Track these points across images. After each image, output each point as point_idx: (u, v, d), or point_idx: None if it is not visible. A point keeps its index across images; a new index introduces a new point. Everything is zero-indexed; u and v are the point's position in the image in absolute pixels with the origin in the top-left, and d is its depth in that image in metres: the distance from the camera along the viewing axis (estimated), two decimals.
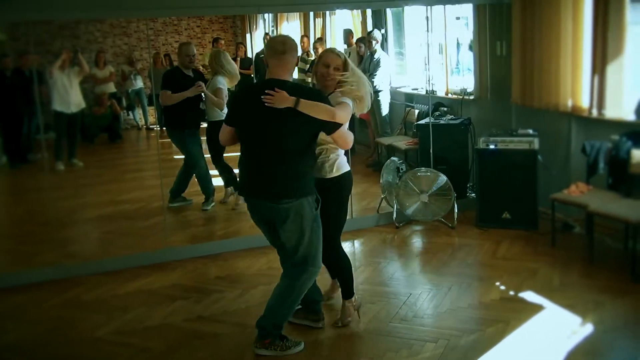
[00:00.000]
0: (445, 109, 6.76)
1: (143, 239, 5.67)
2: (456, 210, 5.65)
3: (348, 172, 3.66)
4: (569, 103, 5.21)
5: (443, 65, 7.13)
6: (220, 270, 4.97)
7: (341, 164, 3.62)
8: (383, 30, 7.85)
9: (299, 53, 9.06)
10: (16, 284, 4.80)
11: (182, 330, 3.98)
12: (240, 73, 8.70)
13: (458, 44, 7.18)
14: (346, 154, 3.76)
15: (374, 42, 7.37)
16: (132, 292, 4.64)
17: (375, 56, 7.37)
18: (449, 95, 6.97)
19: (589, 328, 3.71)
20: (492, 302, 4.14)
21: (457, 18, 6.92)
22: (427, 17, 6.55)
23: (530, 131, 5.43)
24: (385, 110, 7.54)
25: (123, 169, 8.85)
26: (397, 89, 7.90)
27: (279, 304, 3.56)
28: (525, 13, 5.49)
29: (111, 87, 9.76)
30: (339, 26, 8.89)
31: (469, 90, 6.59)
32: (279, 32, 10.37)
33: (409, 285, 4.54)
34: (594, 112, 5.01)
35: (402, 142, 7.02)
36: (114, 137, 9.74)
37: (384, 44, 7.73)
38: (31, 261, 5.27)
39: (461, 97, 6.63)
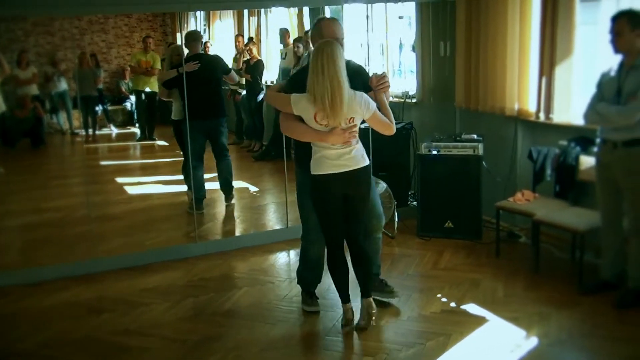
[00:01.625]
0: None
1: (69, 248, 5.56)
2: (397, 219, 5.65)
3: (318, 175, 3.72)
4: (516, 107, 5.30)
5: (384, 67, 7.16)
6: (149, 281, 4.89)
7: (313, 164, 3.72)
8: None
9: (233, 53, 9.04)
10: None
11: (109, 344, 3.93)
12: None
13: (400, 44, 7.23)
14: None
15: (311, 42, 7.33)
16: (58, 304, 4.57)
17: None
18: (391, 99, 6.99)
19: (533, 341, 3.75)
20: (433, 315, 4.14)
21: (400, 17, 6.97)
22: (367, 16, 6.59)
23: (475, 136, 5.49)
24: None
25: (47, 175, 8.74)
26: None
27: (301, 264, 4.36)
28: (470, 12, 5.56)
29: (34, 89, 9.57)
30: (275, 25, 8.86)
31: (411, 93, 6.65)
32: (211, 32, 10.27)
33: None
34: (542, 116, 5.10)
35: None
36: (37, 142, 9.57)
37: None
38: None
39: (403, 100, 6.67)
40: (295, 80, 3.88)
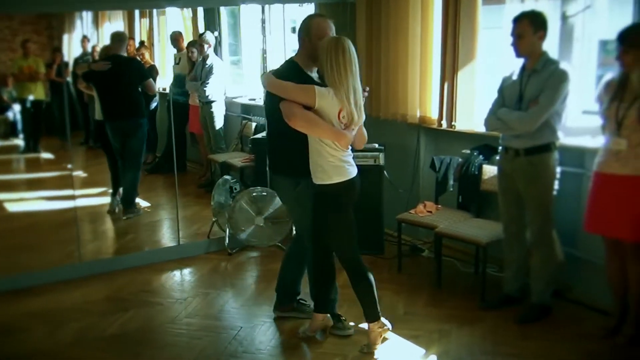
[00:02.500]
0: None
1: None
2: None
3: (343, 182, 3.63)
4: (418, 114, 5.25)
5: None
6: (30, 305, 4.61)
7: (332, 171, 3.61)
8: (216, 33, 7.63)
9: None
10: None
11: None
12: (55, 81, 8.24)
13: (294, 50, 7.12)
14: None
15: (205, 46, 7.14)
16: None
17: (208, 62, 7.14)
18: None
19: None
20: (329, 335, 4.01)
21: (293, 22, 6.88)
22: (262, 20, 6.46)
23: (376, 145, 5.40)
24: (219, 123, 7.30)
25: None
26: (233, 100, 7.70)
27: (284, 272, 4.30)
28: (371, 15, 5.49)
29: None
30: (169, 28, 8.58)
31: None
32: (100, 34, 9.87)
33: (240, 317, 4.37)
34: (444, 124, 5.06)
35: (238, 159, 6.81)
36: None
37: (217, 48, 7.51)
38: None
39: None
40: (293, 79, 3.59)
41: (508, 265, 4.34)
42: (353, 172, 3.63)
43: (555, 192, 4.08)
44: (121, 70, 6.31)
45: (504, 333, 3.97)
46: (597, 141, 3.94)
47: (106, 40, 9.45)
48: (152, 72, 8.38)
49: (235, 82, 8.07)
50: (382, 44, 5.42)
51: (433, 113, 5.17)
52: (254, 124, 7.14)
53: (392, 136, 5.63)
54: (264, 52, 6.86)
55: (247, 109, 7.55)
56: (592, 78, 4.51)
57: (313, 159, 3.58)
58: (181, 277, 5.19)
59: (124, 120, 6.50)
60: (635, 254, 3.69)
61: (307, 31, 3.69)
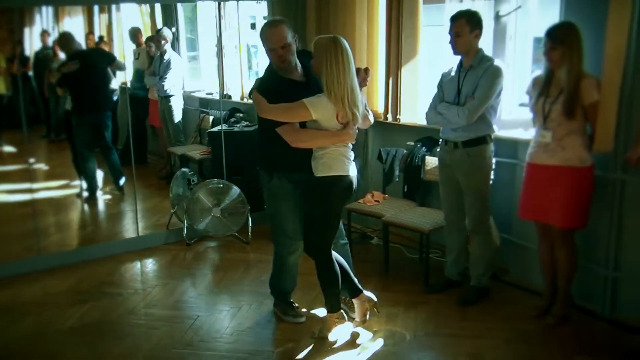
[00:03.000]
0: (241, 114, 6.66)
1: None
2: (250, 224, 5.52)
3: (339, 177, 3.54)
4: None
5: (239, 69, 7.03)
6: None
7: (330, 165, 3.52)
8: (174, 29, 7.59)
9: None
10: None
11: None
12: (16, 75, 8.09)
13: (251, 45, 7.15)
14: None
15: (163, 42, 7.10)
16: None
17: (165, 57, 7.10)
18: (245, 100, 6.88)
19: (379, 343, 3.75)
20: (285, 322, 4.06)
21: (253, 23, 6.88)
22: (217, 16, 6.46)
23: None
24: (177, 117, 7.27)
25: None
26: (191, 94, 7.68)
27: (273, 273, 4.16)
28: (320, 11, 5.51)
29: None
30: (128, 23, 8.48)
31: None
32: (60, 29, 9.71)
33: (196, 307, 4.36)
34: (389, 118, 5.13)
35: (196, 152, 6.81)
36: None
37: (174, 44, 7.46)
38: None
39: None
40: (274, 89, 3.50)
41: (449, 251, 4.45)
42: (351, 168, 3.57)
43: (491, 182, 4.18)
44: (89, 62, 6.45)
45: (445, 315, 4.08)
46: (529, 133, 4.07)
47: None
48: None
49: (194, 76, 8.04)
50: None
51: (379, 107, 5.24)
52: (211, 118, 7.13)
53: None
54: (220, 47, 6.90)
55: (205, 103, 7.53)
56: (527, 73, 4.62)
57: (315, 153, 3.50)
58: (141, 268, 5.16)
59: (97, 113, 6.70)
60: (563, 239, 3.81)
61: (262, 41, 3.58)
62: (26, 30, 9.66)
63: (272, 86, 3.51)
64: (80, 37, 8.92)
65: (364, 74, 3.66)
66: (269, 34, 3.52)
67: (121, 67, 7.05)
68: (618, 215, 3.81)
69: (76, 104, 6.64)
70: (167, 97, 7.19)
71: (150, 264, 5.21)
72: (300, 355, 3.61)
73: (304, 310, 4.17)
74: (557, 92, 3.68)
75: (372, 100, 5.26)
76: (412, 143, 5.00)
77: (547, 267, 4.00)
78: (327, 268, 3.72)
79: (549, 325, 3.89)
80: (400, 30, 4.85)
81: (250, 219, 5.53)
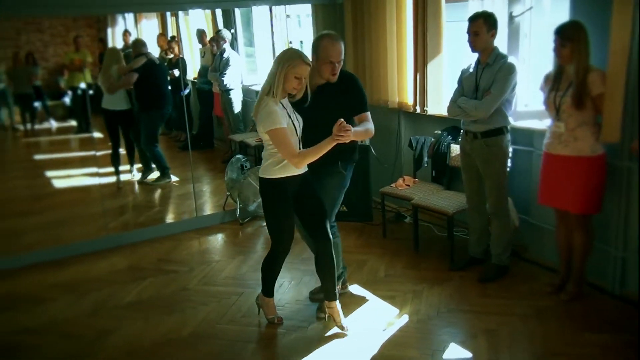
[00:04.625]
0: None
1: None
2: None
3: (271, 180, 3.28)
4: (396, 100, 5.14)
5: None
6: (59, 276, 4.55)
7: (267, 168, 3.29)
8: (232, 30, 7.53)
9: (157, 52, 8.64)
10: None
11: (4, 344, 3.59)
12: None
13: (301, 42, 7.01)
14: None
15: (222, 42, 7.05)
16: None
17: (225, 55, 7.06)
18: None
19: (404, 319, 3.63)
20: (319, 298, 3.95)
21: (287, 16, 6.73)
22: (270, 16, 6.36)
23: None
24: (237, 108, 7.25)
25: None
26: (250, 87, 7.63)
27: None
28: (355, 13, 5.35)
29: None
30: (195, 25, 8.48)
31: None
32: (138, 29, 9.83)
33: (242, 284, 4.28)
34: (418, 109, 4.95)
35: (252, 139, 6.76)
36: None
37: (233, 43, 7.41)
38: None
39: None
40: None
41: (472, 231, 4.28)
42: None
43: (508, 169, 3.98)
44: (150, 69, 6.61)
45: (467, 291, 3.93)
46: (544, 123, 3.84)
47: (144, 35, 9.49)
48: (181, 63, 8.38)
49: (252, 71, 7.98)
50: (365, 40, 5.29)
51: (409, 99, 5.05)
52: None
53: (378, 119, 5.48)
54: (273, 44, 6.82)
55: None
56: (544, 68, 4.33)
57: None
58: (197, 246, 5.07)
59: (151, 111, 6.74)
60: (579, 224, 3.60)
61: (315, 50, 3.31)
62: (109, 30, 9.83)
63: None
64: (153, 38, 9.12)
65: (337, 128, 2.98)
66: (330, 47, 3.24)
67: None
68: (626, 200, 3.56)
69: (137, 100, 6.79)
70: (226, 91, 7.16)
71: (206, 243, 5.17)
72: (330, 332, 3.53)
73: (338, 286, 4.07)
74: (566, 86, 3.45)
75: (402, 93, 5.08)
76: (439, 132, 4.81)
77: (563, 248, 3.79)
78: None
79: (563, 301, 3.70)
80: (425, 30, 4.63)
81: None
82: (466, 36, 3.82)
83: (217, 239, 5.23)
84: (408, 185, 4.81)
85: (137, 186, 6.69)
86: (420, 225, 5.03)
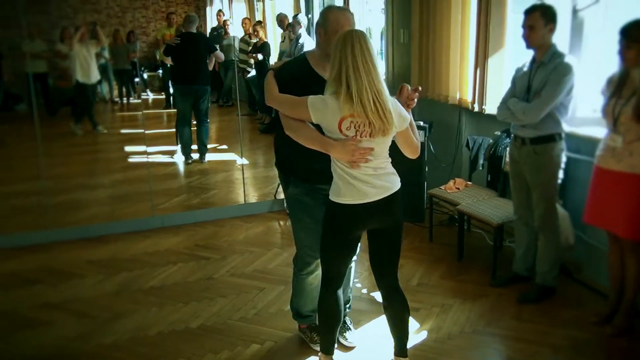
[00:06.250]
0: None
1: (41, 217, 5.18)
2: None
3: (343, 205, 2.50)
4: (457, 96, 4.71)
5: None
6: (96, 253, 4.56)
7: (332, 188, 2.55)
8: (310, 15, 7.33)
9: (241, 34, 8.64)
10: None
11: (22, 318, 3.63)
12: None
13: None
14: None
15: (297, 27, 6.86)
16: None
17: (300, 40, 6.85)
18: None
19: (421, 335, 3.30)
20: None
21: (366, 2, 6.39)
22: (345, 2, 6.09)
23: (422, 123, 4.93)
24: None
25: (66, 143, 8.13)
26: None
27: (295, 292, 3.22)
28: (421, 5, 4.96)
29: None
30: (280, 10, 8.37)
31: (383, 78, 6.08)
32: (230, 11, 9.90)
33: (267, 279, 4.06)
34: (476, 107, 4.51)
35: None
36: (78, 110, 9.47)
37: (310, 29, 7.21)
38: None
39: None
40: (296, 79, 2.66)
41: (518, 245, 3.84)
42: (374, 193, 2.46)
43: (561, 181, 3.49)
44: (192, 44, 6.40)
45: (501, 312, 3.51)
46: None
47: (235, 16, 9.54)
48: (266, 47, 8.32)
49: None
50: (430, 29, 4.90)
51: (469, 96, 4.61)
52: None
53: (440, 115, 5.13)
54: None
55: None
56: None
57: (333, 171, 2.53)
58: (237, 234, 4.90)
59: (193, 85, 6.56)
60: (631, 250, 3.10)
61: (324, 23, 2.66)
62: (208, 9, 10.00)
63: (298, 73, 2.70)
64: (238, 21, 9.16)
65: (408, 92, 2.58)
66: (343, 18, 2.65)
67: (220, 58, 6.90)
68: None
69: (175, 74, 6.77)
70: None
71: (247, 231, 4.99)
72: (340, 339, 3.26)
73: (364, 291, 3.80)
74: (629, 94, 2.94)
75: (463, 88, 4.65)
76: (498, 133, 4.35)
77: (615, 273, 3.29)
78: (321, 301, 2.77)
79: (607, 335, 3.20)
80: (488, 21, 4.18)
81: None
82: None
83: (259, 228, 5.04)
84: (458, 189, 4.41)
85: (192, 166, 6.71)
86: (472, 232, 4.65)
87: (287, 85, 2.57)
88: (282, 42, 7.89)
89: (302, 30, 6.91)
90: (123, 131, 8.17)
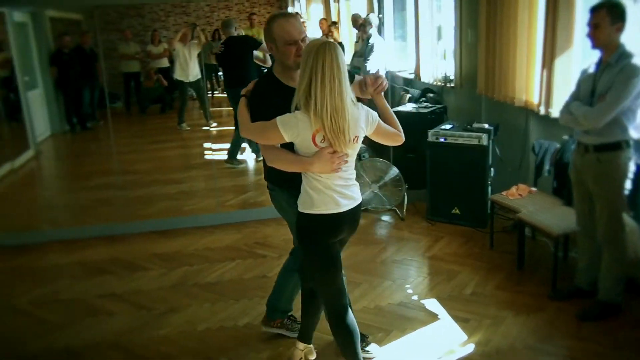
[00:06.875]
0: (432, 95, 6.06)
1: (119, 210, 5.43)
2: (406, 202, 5.02)
3: (318, 216, 2.43)
4: (523, 98, 4.41)
5: (437, 50, 6.34)
6: (162, 247, 4.66)
7: (302, 200, 2.48)
8: (381, 15, 7.14)
9: (318, 35, 8.59)
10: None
11: (87, 306, 3.77)
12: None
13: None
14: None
15: (368, 27, 6.72)
16: (70, 263, 4.48)
17: (370, 41, 6.72)
18: (431, 82, 6.24)
19: (469, 348, 3.10)
20: (388, 307, 3.57)
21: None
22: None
23: (486, 125, 4.68)
24: None
25: (151, 139, 8.72)
26: (397, 73, 7.22)
27: (279, 288, 3.19)
28: (490, 2, 4.67)
29: (164, 63, 9.78)
30: (356, 11, 8.24)
31: (451, 77, 5.83)
32: (307, 12, 9.90)
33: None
34: (542, 110, 4.19)
35: None
36: (164, 108, 9.80)
37: (380, 28, 7.04)
38: None
39: (443, 84, 5.90)
40: (256, 96, 2.54)
41: (581, 257, 3.53)
42: (345, 204, 2.42)
43: (629, 191, 3.16)
44: (236, 47, 6.32)
45: (558, 328, 3.23)
46: None
47: (313, 18, 9.53)
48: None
49: (400, 58, 7.55)
50: (497, 28, 4.61)
51: (535, 98, 4.30)
52: (408, 96, 6.64)
53: (507, 117, 4.83)
54: (417, 30, 6.33)
55: (409, 82, 7.03)
56: None
57: (303, 181, 2.47)
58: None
59: (237, 88, 6.50)
60: None
61: (271, 36, 2.52)
62: (290, 8, 10.07)
63: (269, 91, 2.54)
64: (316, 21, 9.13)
65: (371, 81, 2.55)
66: (288, 25, 2.48)
67: (265, 51, 6.61)
68: None
69: (225, 79, 6.90)
70: None
71: None
72: (384, 347, 3.13)
73: (414, 297, 3.64)
74: None
75: (529, 90, 4.34)
76: (567, 137, 4.03)
77: None
78: (335, 320, 2.63)
79: None
80: (556, 19, 3.86)
81: (406, 197, 5.02)
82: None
83: None
84: (521, 195, 4.13)
85: (260, 164, 6.65)
86: (538, 240, 4.35)
87: (260, 105, 2.48)
88: (357, 42, 7.77)
89: (373, 30, 6.78)
90: (204, 128, 8.32)
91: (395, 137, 2.58)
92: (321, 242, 2.48)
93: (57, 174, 7.56)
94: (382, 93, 2.61)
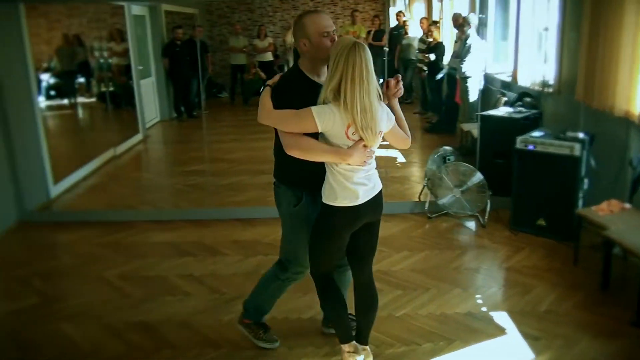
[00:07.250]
0: (529, 99, 5.74)
1: (208, 196, 5.62)
2: (488, 209, 4.79)
3: (342, 208, 2.53)
4: (624, 107, 4.05)
5: (539, 52, 5.97)
6: (243, 234, 4.76)
7: (327, 192, 2.56)
8: (482, 15, 6.84)
9: (419, 34, 8.41)
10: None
11: (168, 284, 3.92)
12: (372, 45, 8.36)
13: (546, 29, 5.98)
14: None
15: (466, 27, 6.47)
16: (158, 242, 4.68)
17: (468, 41, 6.48)
18: (529, 85, 5.90)
19: None
20: (455, 316, 3.42)
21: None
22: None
23: (581, 135, 4.35)
24: (472, 96, 6.64)
25: (252, 129, 8.77)
26: (495, 75, 6.91)
27: (259, 290, 3.16)
28: (595, 4, 4.33)
29: (269, 56, 10.07)
30: (458, 10, 7.96)
31: (550, 82, 5.48)
32: (410, 10, 9.71)
33: (386, 280, 3.85)
34: None
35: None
36: None
37: (480, 29, 6.74)
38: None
39: (541, 88, 5.57)
40: (283, 88, 2.56)
41: None
42: (364, 195, 2.51)
43: None
44: None
45: (634, 357, 2.96)
46: None
47: (415, 17, 9.33)
48: (439, 47, 8.01)
49: (504, 59, 7.19)
50: (600, 34, 4.24)
51: (637, 108, 3.93)
52: (504, 99, 6.33)
53: (605, 126, 4.46)
54: (517, 32, 6.01)
55: (507, 85, 6.71)
56: None
57: (326, 175, 2.53)
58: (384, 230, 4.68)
59: None
60: None
61: (304, 32, 2.52)
62: (391, 9, 9.95)
63: (296, 86, 2.54)
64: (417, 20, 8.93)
65: (393, 85, 2.59)
66: (320, 18, 2.52)
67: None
68: None
69: None
70: (464, 79, 6.63)
71: (382, 230, 4.67)
72: (444, 356, 3.01)
73: (484, 309, 3.47)
74: None
75: (631, 99, 3.98)
76: None
77: None
78: (321, 295, 2.84)
79: None
80: None
81: (489, 203, 4.79)
82: None
83: (395, 229, 4.77)
84: (612, 211, 3.80)
85: None
86: (630, 260, 3.99)
87: (286, 97, 2.49)
88: (456, 42, 7.52)
89: (472, 31, 6.53)
90: None
91: (405, 140, 2.67)
92: (336, 231, 2.60)
93: (160, 158, 7.98)
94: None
